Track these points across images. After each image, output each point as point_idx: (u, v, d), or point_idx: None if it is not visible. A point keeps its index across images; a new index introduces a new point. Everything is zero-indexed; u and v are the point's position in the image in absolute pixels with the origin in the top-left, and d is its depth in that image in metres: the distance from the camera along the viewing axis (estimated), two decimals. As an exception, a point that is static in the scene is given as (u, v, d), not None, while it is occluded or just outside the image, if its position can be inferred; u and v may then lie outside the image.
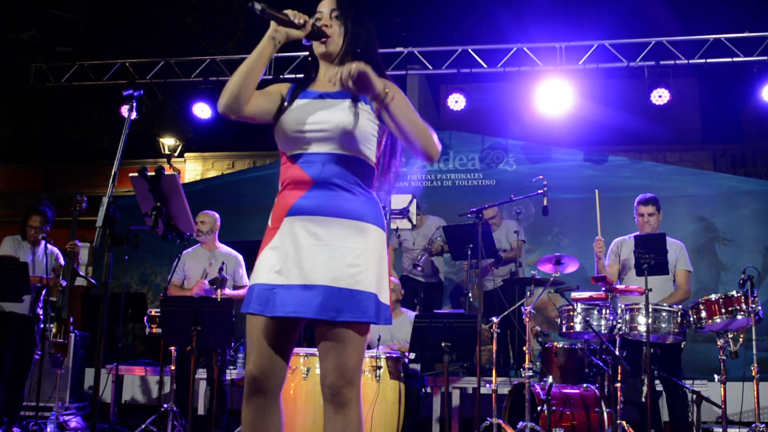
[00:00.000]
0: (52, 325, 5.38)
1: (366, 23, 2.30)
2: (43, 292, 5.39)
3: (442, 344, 4.58)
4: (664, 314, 4.56)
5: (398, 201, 6.35)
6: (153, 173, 2.75)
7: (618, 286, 4.70)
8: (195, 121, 9.44)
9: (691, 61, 7.54)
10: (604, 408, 4.68)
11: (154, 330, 5.65)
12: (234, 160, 16.32)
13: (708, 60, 7.52)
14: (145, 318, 5.78)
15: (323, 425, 2.19)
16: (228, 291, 5.45)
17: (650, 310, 4.48)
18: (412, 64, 8.37)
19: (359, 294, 2.08)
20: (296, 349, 3.71)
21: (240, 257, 5.78)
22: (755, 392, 4.41)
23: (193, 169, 16.42)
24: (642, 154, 14.14)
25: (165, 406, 5.11)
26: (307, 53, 2.38)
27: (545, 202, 5.71)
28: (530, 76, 8.01)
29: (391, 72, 8.10)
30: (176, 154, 16.09)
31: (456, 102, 8.04)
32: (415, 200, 6.64)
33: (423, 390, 5.16)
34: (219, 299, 5.05)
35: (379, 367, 4.56)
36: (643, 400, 4.65)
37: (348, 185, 2.15)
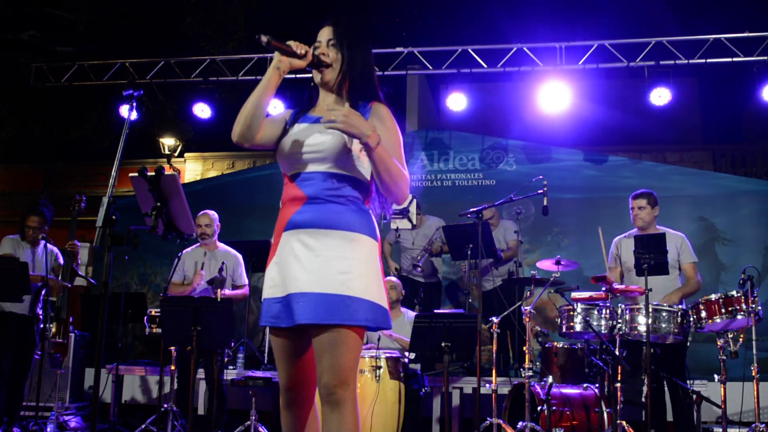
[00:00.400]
0: (51, 325, 5.38)
1: (362, 51, 2.41)
2: (43, 292, 5.39)
3: (442, 344, 4.58)
4: (664, 314, 4.55)
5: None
6: (153, 173, 2.75)
7: (618, 286, 4.69)
8: (195, 121, 9.44)
9: (691, 61, 7.54)
10: (604, 408, 4.68)
11: (154, 330, 5.66)
12: (234, 160, 16.31)
13: (708, 60, 7.51)
14: (145, 318, 5.78)
15: (321, 425, 2.28)
16: (228, 291, 5.45)
17: (650, 310, 4.48)
18: (412, 64, 8.37)
19: (349, 299, 2.18)
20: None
21: (239, 256, 5.78)
22: (755, 392, 4.41)
23: (193, 169, 16.42)
24: (642, 154, 14.12)
25: (165, 406, 5.11)
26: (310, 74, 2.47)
27: (545, 202, 5.71)
28: (530, 76, 8.01)
29: (391, 72, 8.11)
30: (176, 154, 16.09)
31: (456, 102, 8.04)
32: (415, 200, 6.64)
33: (423, 390, 5.16)
34: (219, 299, 5.05)
35: (379, 367, 4.56)
36: (643, 400, 4.65)
37: (340, 200, 2.28)
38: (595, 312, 4.74)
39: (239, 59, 8.64)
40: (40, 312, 5.41)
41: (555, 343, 5.13)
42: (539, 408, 4.59)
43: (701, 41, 7.51)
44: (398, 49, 8.08)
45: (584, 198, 7.98)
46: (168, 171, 2.77)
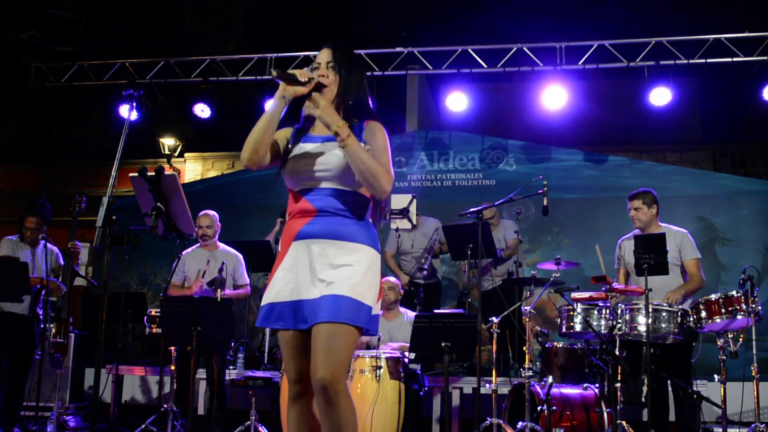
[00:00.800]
0: (51, 325, 5.38)
1: (357, 73, 2.63)
2: (43, 292, 5.38)
3: (442, 344, 4.58)
4: (664, 314, 4.55)
5: (398, 201, 6.35)
6: (153, 173, 2.75)
7: (617, 286, 4.69)
8: (195, 121, 9.45)
9: (691, 61, 7.54)
10: (604, 408, 4.68)
11: (154, 330, 5.66)
12: (234, 160, 16.31)
13: (708, 60, 7.51)
14: (145, 318, 5.78)
15: (320, 419, 2.45)
16: (228, 291, 5.45)
17: (650, 310, 4.48)
18: (412, 64, 8.37)
19: (355, 302, 2.40)
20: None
21: (240, 256, 5.78)
22: (755, 392, 4.41)
23: (193, 169, 16.41)
24: (642, 154, 14.11)
25: (165, 406, 5.11)
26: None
27: (545, 202, 5.70)
28: (530, 76, 8.01)
29: (391, 72, 8.11)
30: (176, 154, 16.08)
31: (456, 102, 8.04)
32: (415, 200, 6.64)
33: (423, 390, 5.16)
34: (219, 299, 5.05)
35: (379, 367, 4.56)
36: (644, 400, 4.65)
37: (345, 213, 2.51)
38: (595, 312, 4.73)
39: (239, 59, 8.65)
40: (41, 312, 5.41)
41: (555, 343, 5.13)
42: (539, 408, 4.59)
43: (701, 41, 7.51)
44: (398, 49, 8.08)
45: (584, 198, 7.98)
46: (168, 171, 2.78)
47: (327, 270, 2.43)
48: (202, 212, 5.73)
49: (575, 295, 4.78)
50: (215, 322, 4.64)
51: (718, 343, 4.53)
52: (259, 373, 5.76)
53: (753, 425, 4.49)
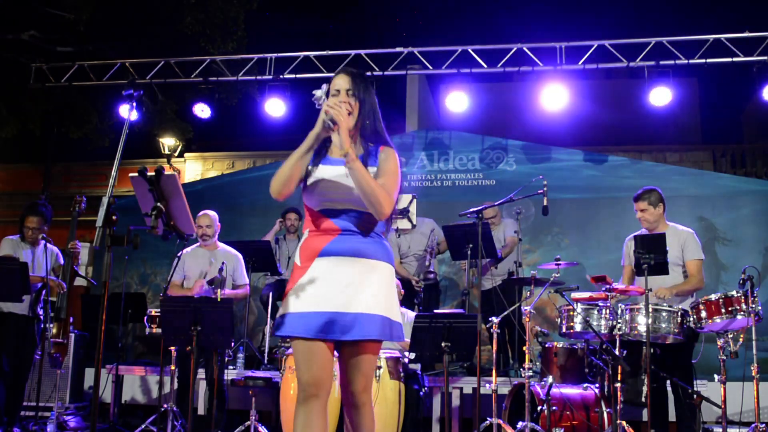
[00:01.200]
0: (51, 325, 5.37)
1: (372, 98, 2.79)
2: (43, 292, 5.38)
3: (442, 344, 4.58)
4: (664, 314, 4.55)
5: (398, 201, 6.35)
6: (153, 173, 2.75)
7: (617, 286, 4.69)
8: (195, 121, 9.45)
9: (691, 61, 7.53)
10: (604, 408, 4.68)
11: (154, 330, 5.66)
12: (234, 160, 16.32)
13: (708, 60, 7.50)
14: (145, 318, 5.78)
15: (345, 423, 2.75)
16: (228, 291, 5.45)
17: (650, 310, 4.48)
18: (412, 64, 8.36)
19: (379, 318, 2.62)
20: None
21: (239, 256, 5.78)
22: (755, 392, 4.41)
23: (193, 169, 16.42)
24: (642, 154, 14.13)
25: (165, 406, 5.11)
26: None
27: (545, 202, 5.70)
28: (530, 76, 8.01)
29: (391, 72, 8.11)
30: (176, 154, 16.09)
31: (456, 102, 8.04)
32: (415, 200, 6.64)
33: (423, 390, 5.16)
34: (219, 299, 5.05)
35: (379, 367, 4.56)
36: (643, 399, 4.64)
37: (364, 233, 2.71)
38: (595, 312, 4.73)
39: (239, 59, 8.65)
40: (41, 312, 5.41)
41: (555, 343, 5.13)
42: (539, 408, 4.59)
43: (701, 41, 7.51)
44: (398, 49, 8.08)
45: (584, 198, 7.98)
46: (168, 171, 2.77)
47: (353, 286, 2.62)
48: (202, 212, 5.73)
49: (575, 295, 4.78)
50: (215, 322, 4.64)
51: (718, 343, 4.53)
52: (259, 373, 5.76)
53: (753, 425, 4.48)
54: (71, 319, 5.67)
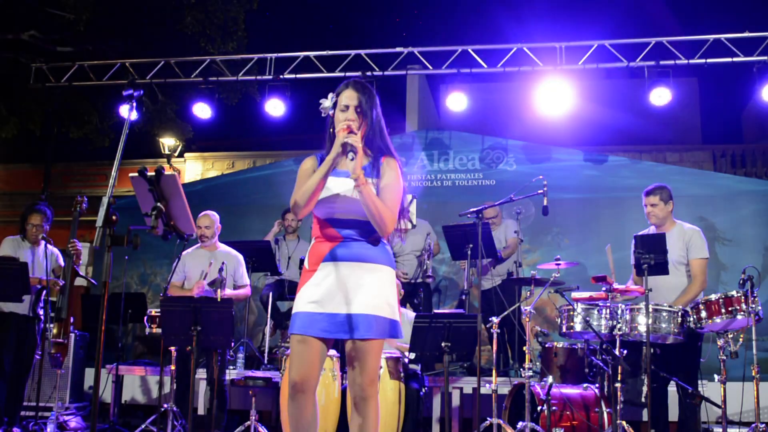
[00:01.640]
0: (52, 325, 5.37)
1: (378, 109, 2.91)
2: (44, 292, 5.38)
3: (442, 344, 4.58)
4: (664, 314, 4.55)
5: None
6: (153, 173, 2.75)
7: (617, 286, 4.69)
8: (195, 121, 9.44)
9: (691, 61, 7.53)
10: (604, 408, 4.68)
11: (154, 330, 5.65)
12: (234, 160, 16.31)
13: (708, 60, 7.50)
14: (145, 318, 5.77)
15: (350, 415, 2.99)
16: (228, 291, 5.44)
17: (650, 310, 4.48)
18: (412, 64, 8.36)
19: (381, 318, 2.81)
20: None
21: (240, 256, 5.78)
22: (755, 392, 4.41)
23: (193, 169, 16.42)
24: (642, 154, 14.13)
25: (165, 406, 5.11)
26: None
27: (545, 202, 5.70)
28: (530, 76, 8.00)
29: (391, 72, 8.11)
30: (176, 154, 16.08)
31: (456, 102, 8.03)
32: (415, 200, 6.63)
33: (423, 390, 5.16)
34: (219, 299, 5.05)
35: (380, 367, 4.56)
36: (644, 400, 4.64)
37: (367, 239, 2.89)
38: (595, 312, 4.73)
39: (239, 59, 8.65)
40: (41, 312, 5.41)
41: (555, 343, 5.13)
42: (539, 408, 4.59)
43: (701, 41, 7.51)
44: (398, 49, 8.07)
45: (584, 198, 7.98)
46: (168, 171, 2.77)
47: (357, 289, 2.80)
48: (203, 213, 5.72)
49: (575, 295, 4.78)
50: (215, 322, 4.63)
51: (718, 343, 4.53)
52: (259, 373, 5.76)
53: (753, 425, 4.48)
54: (71, 319, 5.67)
